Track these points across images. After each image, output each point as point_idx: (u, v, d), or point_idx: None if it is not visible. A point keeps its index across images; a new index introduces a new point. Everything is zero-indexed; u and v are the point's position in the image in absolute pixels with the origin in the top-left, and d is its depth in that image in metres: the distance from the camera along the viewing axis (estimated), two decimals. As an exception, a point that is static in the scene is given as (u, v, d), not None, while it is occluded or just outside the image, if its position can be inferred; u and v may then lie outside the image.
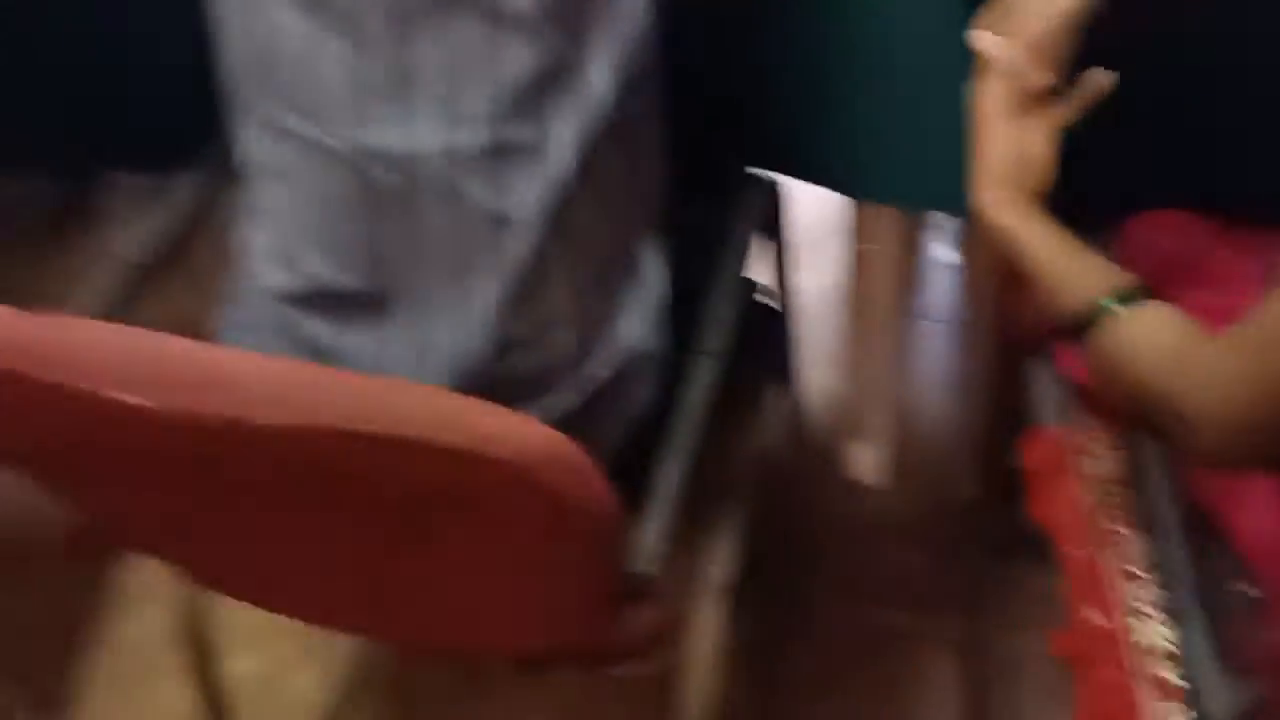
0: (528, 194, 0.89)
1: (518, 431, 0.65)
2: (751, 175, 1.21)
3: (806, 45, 1.09)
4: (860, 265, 1.32)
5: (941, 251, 1.72)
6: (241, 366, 0.62)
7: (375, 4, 0.85)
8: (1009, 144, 0.84)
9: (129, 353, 0.59)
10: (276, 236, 0.96)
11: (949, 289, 1.68)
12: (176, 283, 1.14)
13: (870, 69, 1.08)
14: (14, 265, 1.66)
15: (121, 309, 1.06)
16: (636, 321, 0.96)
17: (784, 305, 1.28)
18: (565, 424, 0.72)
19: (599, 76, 0.89)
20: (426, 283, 0.92)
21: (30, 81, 1.33)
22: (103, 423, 0.60)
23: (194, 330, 0.98)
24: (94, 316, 1.01)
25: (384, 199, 0.90)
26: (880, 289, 1.32)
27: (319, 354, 0.94)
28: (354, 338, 0.94)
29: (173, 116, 1.28)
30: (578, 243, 0.92)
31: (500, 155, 0.88)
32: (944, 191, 1.06)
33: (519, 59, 0.86)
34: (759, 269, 1.22)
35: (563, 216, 0.90)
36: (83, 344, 0.60)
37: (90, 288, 1.06)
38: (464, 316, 0.91)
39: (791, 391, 1.39)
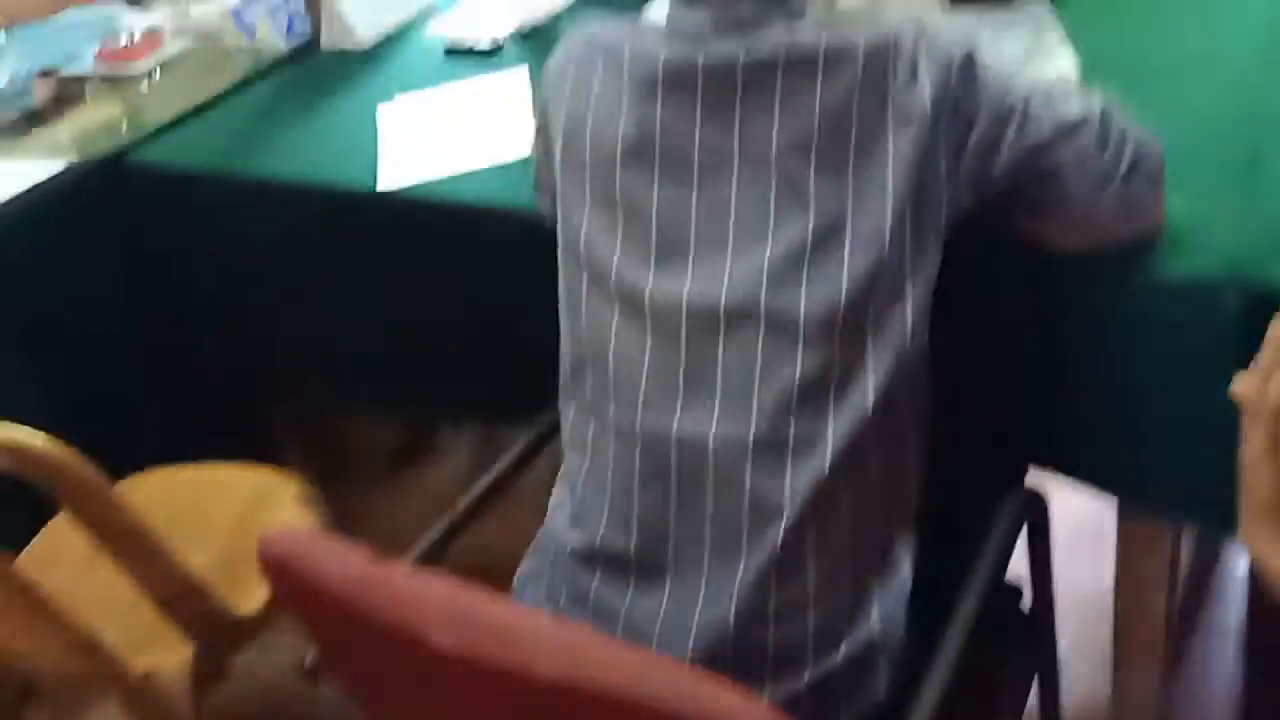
0: (796, 484, 0.99)
1: (748, 712, 0.71)
2: (1017, 472, 1.24)
3: (1078, 354, 1.15)
4: (1127, 572, 1.30)
5: (1240, 566, 1.64)
6: (525, 623, 0.74)
7: (683, 317, 1.02)
8: (1271, 485, 0.85)
9: (437, 600, 0.73)
10: (575, 499, 1.11)
11: (1240, 605, 1.60)
12: (496, 520, 1.30)
13: (1143, 384, 1.11)
14: (359, 494, 1.93)
15: (445, 544, 1.23)
16: (881, 613, 1.01)
17: (1042, 606, 1.27)
18: (796, 707, 0.77)
19: (870, 383, 0.99)
20: (694, 555, 1.03)
21: (392, 341, 1.62)
22: (404, 654, 0.74)
23: (502, 563, 1.14)
24: (423, 549, 1.20)
25: (670, 479, 1.03)
26: (1147, 599, 1.29)
27: (590, 606, 1.07)
28: (622, 596, 1.05)
29: (512, 384, 1.50)
30: (834, 533, 1.00)
31: (776, 448, 1.00)
32: (1209, 510, 1.05)
33: (799, 365, 0.99)
34: (1018, 565, 1.22)
35: (823, 507, 0.99)
36: (403, 588, 0.74)
37: (423, 524, 1.24)
38: (721, 589, 1.01)
39: (1047, 699, 1.34)
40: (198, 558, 1.34)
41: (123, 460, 1.41)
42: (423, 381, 1.64)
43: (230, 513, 1.49)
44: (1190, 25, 1.46)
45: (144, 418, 1.74)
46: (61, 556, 1.41)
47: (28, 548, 1.49)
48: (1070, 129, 1.01)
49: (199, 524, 1.46)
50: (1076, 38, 1.41)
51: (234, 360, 1.79)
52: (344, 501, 1.63)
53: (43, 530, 1.49)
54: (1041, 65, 1.35)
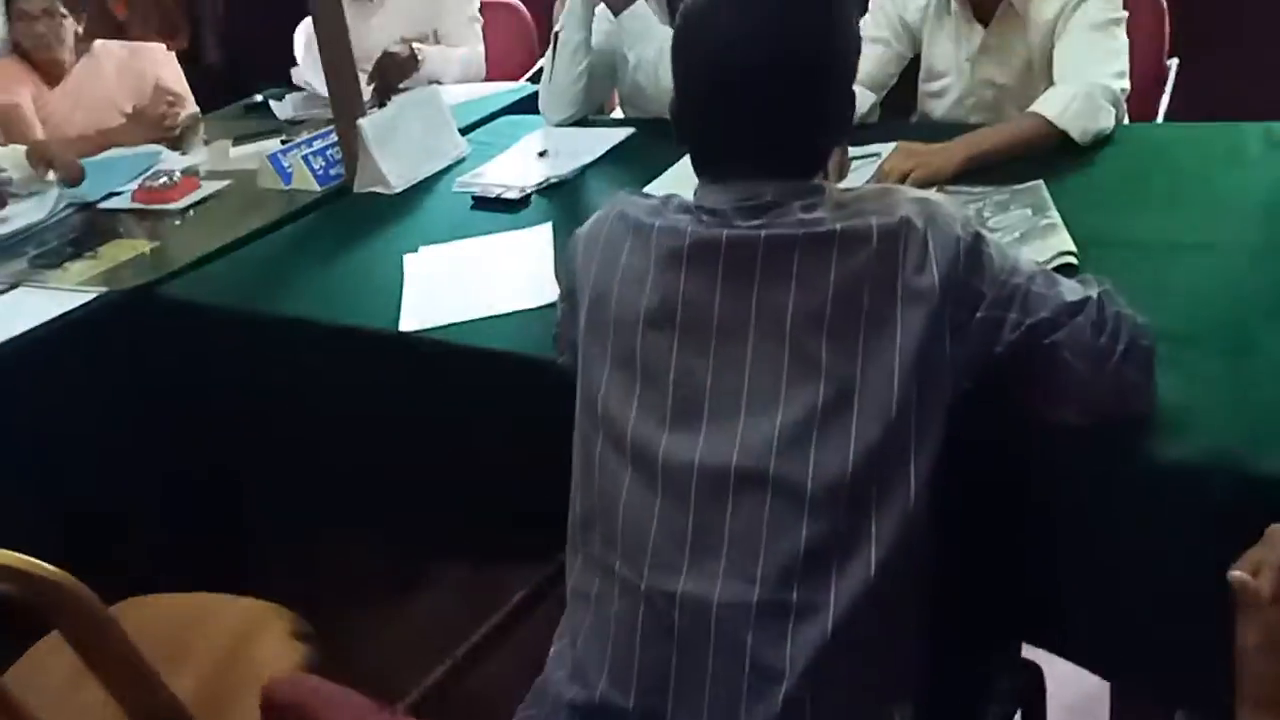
0: (797, 649, 1.00)
1: None
2: (1012, 647, 1.25)
3: (1072, 534, 1.16)
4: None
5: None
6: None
7: (694, 479, 1.05)
8: (1266, 677, 0.86)
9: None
10: (576, 652, 1.11)
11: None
12: (493, 664, 1.30)
13: (1135, 567, 1.12)
14: (352, 624, 1.91)
15: (443, 688, 1.23)
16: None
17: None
18: None
19: (873, 551, 1.01)
20: (692, 716, 1.02)
21: (401, 475, 1.64)
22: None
23: (497, 709, 1.13)
24: (421, 692, 1.19)
25: (673, 638, 1.04)
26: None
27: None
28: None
29: (513, 525, 1.52)
30: (832, 700, 1.00)
31: (778, 613, 1.01)
32: (1204, 696, 1.05)
33: (804, 532, 1.01)
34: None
35: (823, 673, 1.00)
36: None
37: (416, 655, 1.24)
38: (719, 754, 1.00)
39: None
40: (185, 686, 1.33)
41: (120, 583, 1.42)
42: (428, 515, 1.66)
43: (220, 644, 1.48)
44: (1183, 209, 1.53)
45: (145, 542, 1.76)
46: (46, 677, 1.40)
47: (13, 666, 1.48)
48: (1069, 311, 1.05)
49: (189, 653, 1.45)
50: (1071, 219, 1.47)
51: (240, 489, 1.81)
52: (336, 630, 1.62)
53: (30, 650, 1.50)
54: (1039, 245, 1.40)
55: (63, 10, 2.72)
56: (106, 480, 1.72)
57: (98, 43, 2.85)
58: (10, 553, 1.15)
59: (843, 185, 1.24)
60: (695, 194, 1.12)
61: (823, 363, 1.02)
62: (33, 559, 1.15)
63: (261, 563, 1.87)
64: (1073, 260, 1.36)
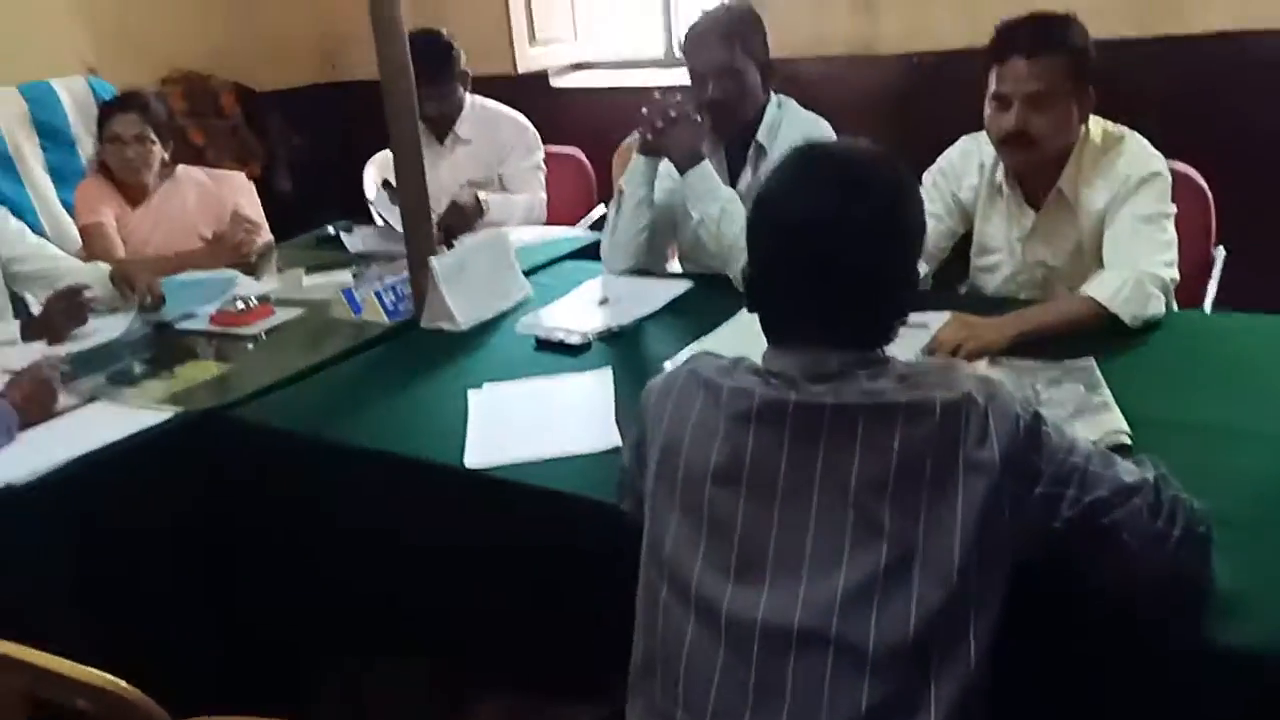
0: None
1: None
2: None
3: (1129, 715, 1.18)
4: None
5: None
6: None
7: (757, 634, 1.08)
8: None
9: None
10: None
11: None
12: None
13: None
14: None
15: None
16: None
17: None
18: None
19: (933, 715, 1.03)
20: None
21: (453, 605, 1.66)
22: None
23: None
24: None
25: None
26: None
27: None
28: None
29: (563, 660, 1.53)
30: None
31: None
32: None
33: (865, 692, 1.04)
34: None
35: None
36: None
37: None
38: None
39: None
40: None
41: (178, 701, 1.44)
42: (484, 647, 1.68)
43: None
44: (1234, 396, 1.57)
45: (199, 662, 1.77)
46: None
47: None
48: (1126, 492, 1.09)
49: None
50: (1122, 399, 1.51)
51: (298, 612, 1.83)
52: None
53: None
54: (1092, 422, 1.45)
55: (152, 137, 2.87)
56: (170, 597, 1.74)
57: (180, 168, 2.98)
58: (87, 669, 1.19)
59: (890, 352, 1.30)
60: (764, 357, 1.18)
61: (885, 526, 1.06)
62: (108, 675, 1.18)
63: (315, 686, 1.88)
64: (1126, 440, 1.41)
